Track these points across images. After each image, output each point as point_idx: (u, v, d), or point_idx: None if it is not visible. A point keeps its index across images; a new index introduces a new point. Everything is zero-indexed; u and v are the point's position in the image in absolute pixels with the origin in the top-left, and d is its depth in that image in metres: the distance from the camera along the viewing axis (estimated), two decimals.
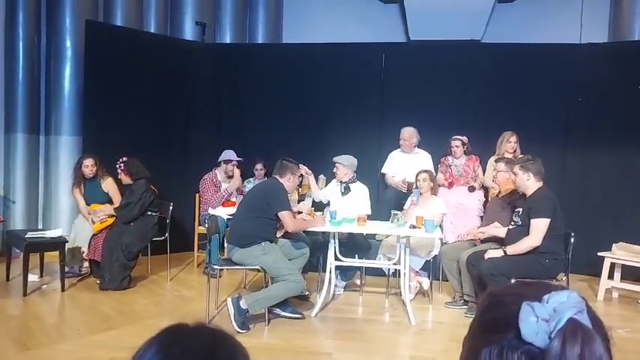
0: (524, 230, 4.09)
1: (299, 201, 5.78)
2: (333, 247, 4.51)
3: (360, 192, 5.14)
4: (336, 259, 4.54)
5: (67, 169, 6.10)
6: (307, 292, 4.73)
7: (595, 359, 0.64)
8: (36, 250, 4.97)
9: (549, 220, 4.00)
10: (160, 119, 6.41)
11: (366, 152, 5.89)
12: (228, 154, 5.83)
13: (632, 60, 5.75)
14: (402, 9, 7.14)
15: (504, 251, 4.11)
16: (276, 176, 4.40)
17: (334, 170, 5.13)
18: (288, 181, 4.37)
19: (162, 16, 6.98)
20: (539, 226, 4.00)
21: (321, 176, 6.19)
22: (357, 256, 4.87)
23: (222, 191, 5.67)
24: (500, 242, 4.37)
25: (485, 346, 0.72)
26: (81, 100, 6.22)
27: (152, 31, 6.86)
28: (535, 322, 0.67)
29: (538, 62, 5.98)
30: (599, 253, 5.06)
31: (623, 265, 5.02)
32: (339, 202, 5.04)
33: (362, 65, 6.40)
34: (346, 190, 5.11)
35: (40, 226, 6.24)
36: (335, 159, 5.11)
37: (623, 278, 5.08)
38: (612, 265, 5.04)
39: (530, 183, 4.13)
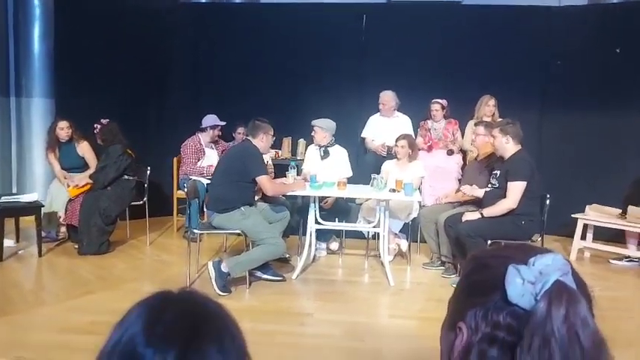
0: (501, 193, 4.16)
1: (275, 167, 5.72)
2: (313, 211, 4.53)
3: (340, 155, 5.14)
4: (317, 222, 4.57)
5: (40, 132, 5.96)
6: (288, 255, 4.77)
7: (579, 320, 0.65)
8: (11, 214, 4.89)
9: (526, 182, 4.06)
10: (136, 81, 6.25)
11: (346, 116, 5.85)
12: (213, 119, 5.72)
13: (610, 23, 5.77)
14: None
15: (481, 213, 4.18)
16: (249, 137, 4.36)
17: (312, 134, 5.10)
18: (261, 141, 4.32)
19: None
20: (516, 189, 4.07)
21: (301, 140, 6.16)
22: (337, 219, 4.90)
23: (206, 167, 5.55)
24: (477, 204, 4.44)
25: (471, 308, 0.73)
26: (52, 61, 6.02)
27: None
28: (521, 284, 0.68)
29: (518, 24, 5.97)
30: (573, 215, 5.19)
31: (595, 226, 5.15)
32: (319, 166, 5.03)
33: (342, 26, 6.30)
34: (325, 154, 5.10)
35: (14, 191, 6.12)
36: (313, 122, 5.07)
37: (595, 239, 5.23)
38: (585, 226, 5.17)
39: (508, 146, 4.18)
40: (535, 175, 4.15)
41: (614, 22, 5.75)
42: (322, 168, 4.98)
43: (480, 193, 4.42)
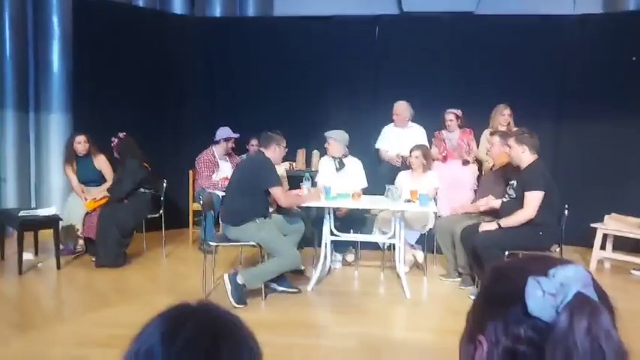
0: (517, 203, 4.11)
1: (290, 178, 5.71)
2: (328, 223, 4.52)
3: (355, 166, 5.14)
4: (332, 234, 4.55)
5: (58, 146, 6.05)
6: (303, 267, 4.76)
7: (603, 332, 0.64)
8: (30, 228, 4.95)
9: (543, 192, 4.02)
10: (151, 95, 6.33)
11: (361, 126, 5.86)
12: (227, 132, 5.76)
13: (625, 31, 5.72)
14: None
15: (498, 224, 4.14)
16: (262, 149, 4.37)
17: (326, 145, 5.09)
18: (273, 153, 4.33)
19: None
20: (534, 199, 4.02)
21: (315, 151, 6.17)
22: (352, 230, 4.88)
23: (219, 180, 5.58)
24: (494, 215, 4.40)
25: (491, 321, 0.72)
26: (70, 77, 6.12)
27: (141, 5, 6.73)
28: (542, 296, 0.67)
29: (532, 33, 5.94)
30: (592, 225, 5.11)
31: (615, 235, 5.07)
32: (335, 178, 5.03)
33: (355, 38, 6.33)
34: (341, 165, 5.10)
35: (33, 205, 6.21)
36: (327, 134, 5.07)
37: (615, 249, 5.15)
38: (604, 236, 5.09)
39: (524, 156, 4.14)
40: (552, 186, 4.11)
41: (630, 30, 5.70)
42: (338, 179, 4.98)
43: (496, 203, 4.38)
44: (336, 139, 5.02)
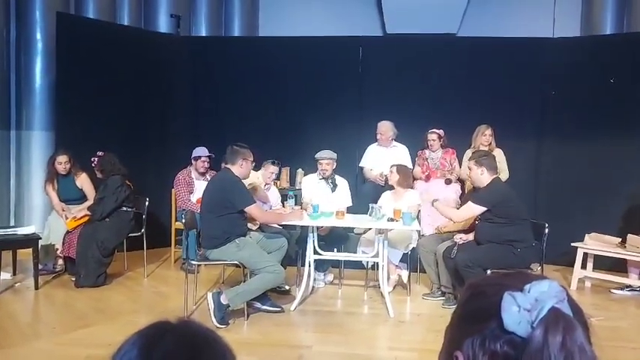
0: (494, 223, 4.17)
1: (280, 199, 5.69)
2: (312, 241, 4.51)
3: (344, 185, 5.18)
4: (315, 252, 4.54)
5: (39, 164, 5.98)
6: (287, 286, 4.73)
7: (576, 347, 0.65)
8: (8, 247, 4.86)
9: (484, 209, 4.17)
10: (135, 113, 6.30)
11: (345, 146, 5.88)
12: (199, 151, 5.72)
13: (603, 53, 5.86)
14: (379, 2, 7.14)
15: (433, 202, 4.50)
16: (228, 165, 4.24)
17: (323, 168, 5.06)
18: (240, 168, 4.21)
19: (135, 8, 6.86)
20: (468, 209, 4.26)
21: (299, 170, 6.18)
22: (335, 249, 4.87)
23: (197, 202, 5.52)
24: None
25: (468, 337, 0.73)
26: (53, 94, 6.08)
27: (125, 23, 6.74)
28: (517, 311, 0.68)
29: (513, 56, 6.06)
30: (573, 244, 5.17)
31: (595, 255, 5.13)
32: (329, 198, 5.02)
33: (339, 59, 6.39)
34: (335, 186, 5.12)
35: (12, 223, 6.10)
36: (322, 155, 5.05)
37: (595, 268, 5.20)
38: (585, 255, 5.15)
39: (483, 177, 4.29)
40: (513, 201, 4.21)
41: (607, 52, 5.85)
42: (331, 200, 4.98)
43: (446, 210, 4.50)
44: (332, 158, 5.04)
